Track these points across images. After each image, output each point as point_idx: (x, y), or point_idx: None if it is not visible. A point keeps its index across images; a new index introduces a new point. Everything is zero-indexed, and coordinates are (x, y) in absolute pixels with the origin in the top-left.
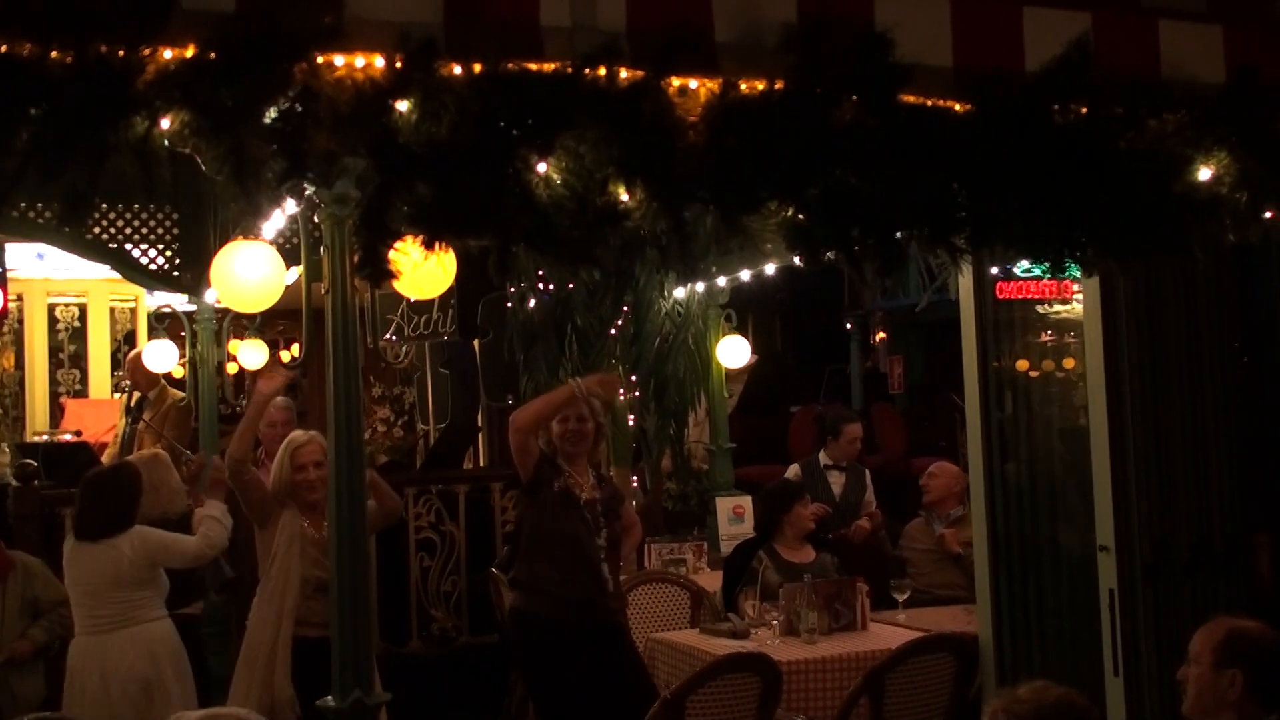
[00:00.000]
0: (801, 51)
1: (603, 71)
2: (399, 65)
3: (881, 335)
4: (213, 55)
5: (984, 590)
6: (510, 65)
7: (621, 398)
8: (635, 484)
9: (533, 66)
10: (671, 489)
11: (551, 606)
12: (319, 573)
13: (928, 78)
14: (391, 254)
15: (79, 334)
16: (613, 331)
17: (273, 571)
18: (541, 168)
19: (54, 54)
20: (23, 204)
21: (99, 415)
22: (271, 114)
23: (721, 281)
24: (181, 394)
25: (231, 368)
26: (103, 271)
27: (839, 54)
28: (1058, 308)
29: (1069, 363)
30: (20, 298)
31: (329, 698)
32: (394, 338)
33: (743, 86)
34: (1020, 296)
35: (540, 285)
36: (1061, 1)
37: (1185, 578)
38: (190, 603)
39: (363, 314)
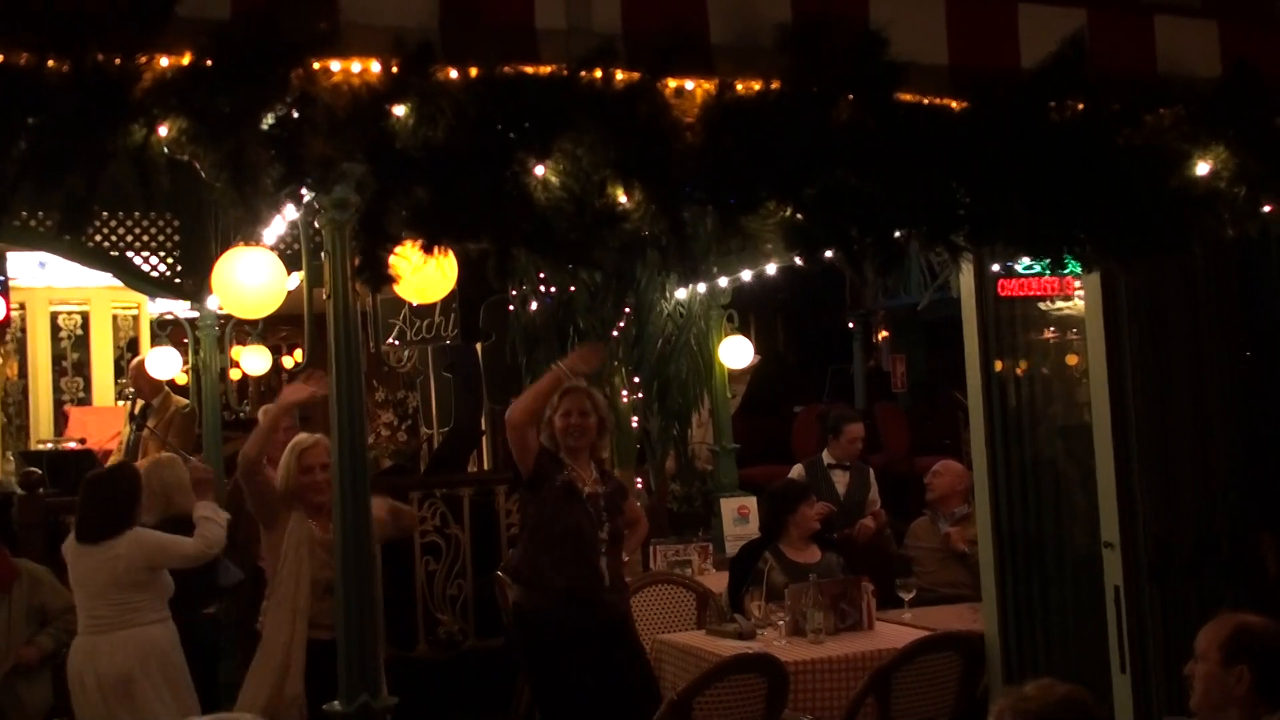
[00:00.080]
0: (797, 52)
1: (599, 74)
2: (395, 70)
3: (884, 334)
4: (209, 62)
5: (989, 588)
6: (506, 68)
7: (625, 399)
8: (640, 485)
9: (529, 69)
10: (676, 490)
11: (551, 601)
12: (328, 574)
13: (924, 76)
14: (391, 258)
15: (82, 342)
16: (615, 333)
17: (283, 574)
18: (539, 170)
19: (51, 62)
20: (23, 212)
21: (103, 423)
22: (269, 120)
23: (723, 282)
24: (185, 400)
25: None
26: (105, 279)
27: (835, 54)
28: (1060, 304)
29: (1072, 359)
30: (23, 306)
31: (336, 702)
32: (397, 342)
33: (739, 87)
34: (1022, 294)
35: (542, 288)
36: None
37: (1190, 574)
38: (208, 604)
39: (365, 319)
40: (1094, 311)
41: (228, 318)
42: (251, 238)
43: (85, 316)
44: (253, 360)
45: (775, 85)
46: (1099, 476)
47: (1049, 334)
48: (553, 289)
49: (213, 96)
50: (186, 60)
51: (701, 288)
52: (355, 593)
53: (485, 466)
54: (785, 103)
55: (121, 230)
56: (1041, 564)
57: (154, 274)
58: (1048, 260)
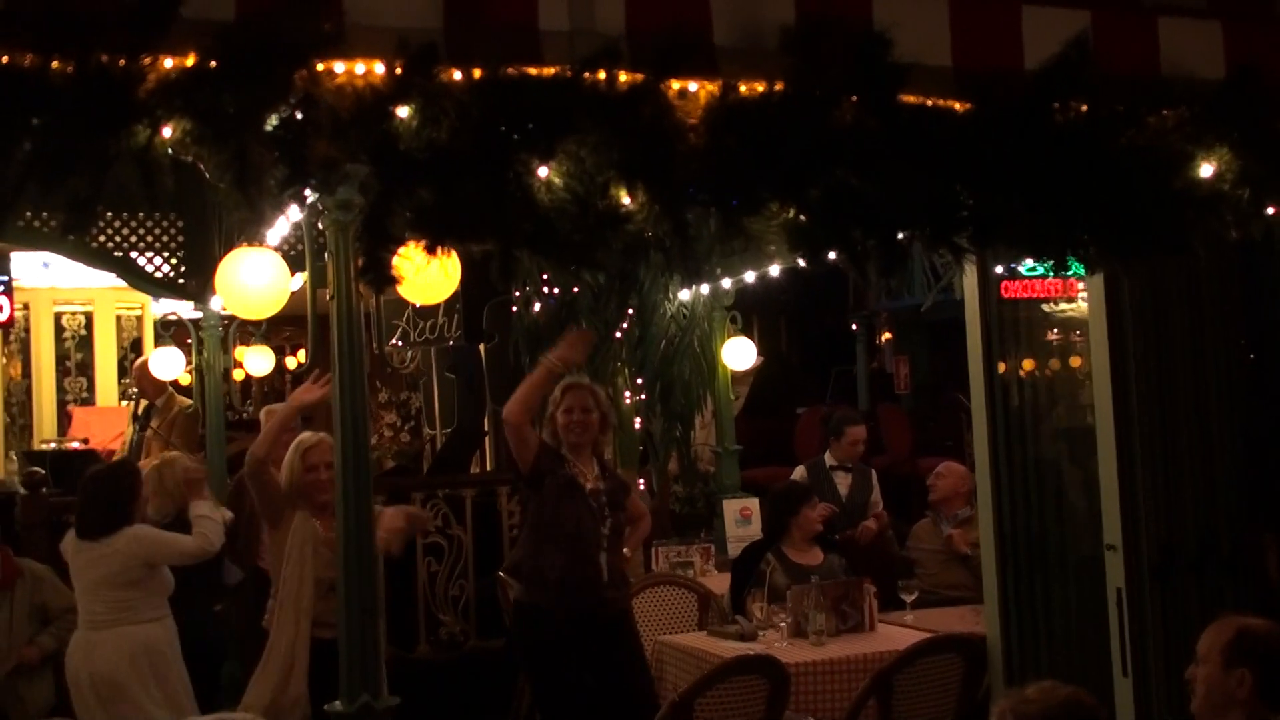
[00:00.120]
0: (801, 53)
1: (602, 75)
2: (399, 71)
3: (887, 335)
4: (214, 63)
5: (991, 590)
6: (510, 70)
7: (628, 401)
8: (642, 487)
9: (532, 71)
10: (678, 491)
11: (551, 597)
12: (332, 573)
13: (927, 77)
14: (395, 259)
15: (85, 342)
16: (618, 335)
17: (286, 573)
18: (543, 172)
19: (55, 64)
20: (28, 213)
21: (106, 423)
22: (273, 121)
23: (726, 283)
24: (189, 401)
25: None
26: (109, 280)
27: (838, 55)
28: (1063, 306)
29: (1075, 361)
30: (27, 306)
31: (337, 702)
32: (400, 343)
33: (742, 88)
34: (1025, 295)
35: (545, 289)
36: None
37: (1193, 577)
38: (214, 602)
39: (368, 319)
40: (1097, 313)
41: (231, 318)
42: (255, 238)
43: (89, 317)
44: (256, 361)
45: (779, 86)
46: (1101, 479)
47: (1052, 336)
48: (556, 290)
49: (217, 97)
50: (191, 61)
51: (705, 289)
52: (357, 593)
53: (488, 467)
54: (789, 104)
55: (125, 231)
56: (1044, 566)
57: (158, 274)
58: (1051, 262)
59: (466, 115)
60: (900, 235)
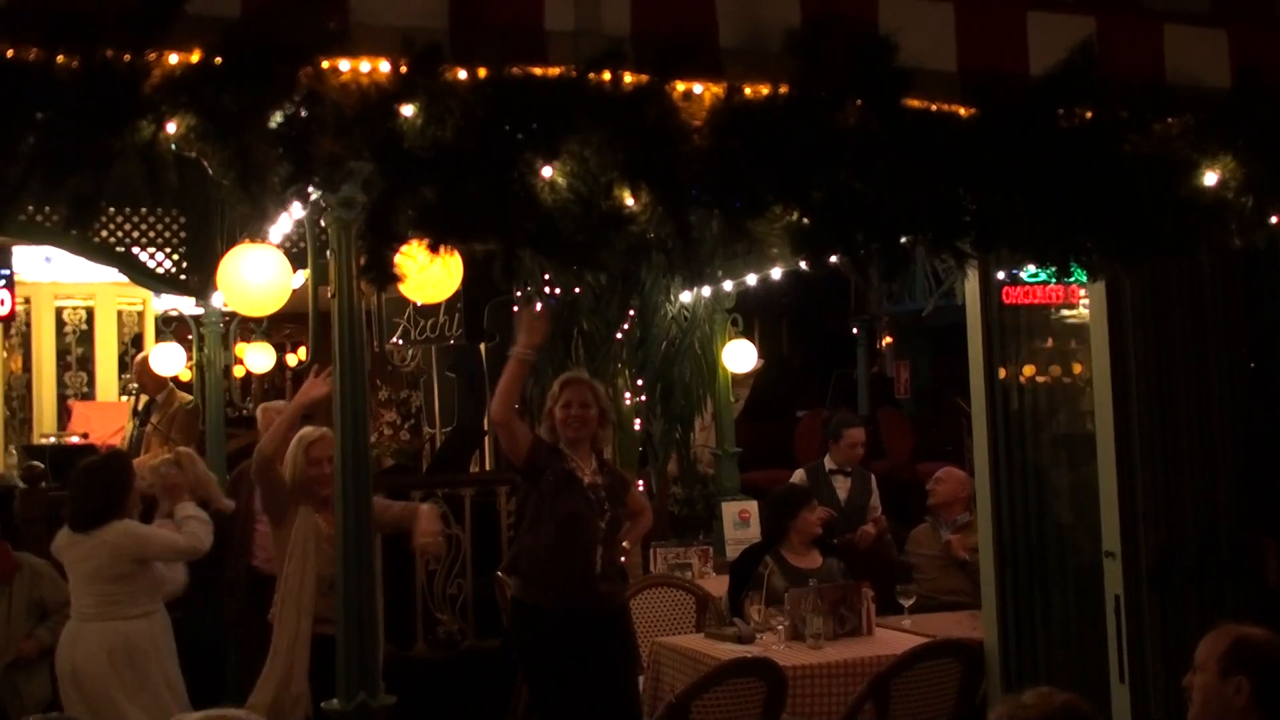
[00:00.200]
0: (805, 55)
1: (607, 76)
2: (404, 70)
3: (888, 340)
4: (218, 60)
5: (990, 596)
6: (514, 69)
7: (628, 402)
8: (641, 488)
9: (537, 71)
10: (677, 493)
11: (545, 590)
12: (334, 570)
13: (932, 81)
14: (397, 258)
15: (86, 337)
16: (619, 336)
17: (289, 570)
18: (546, 171)
19: (60, 58)
20: (30, 207)
21: (106, 418)
22: (277, 118)
23: (727, 286)
24: (189, 397)
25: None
26: (110, 275)
27: (843, 58)
28: (1064, 312)
29: (1076, 368)
30: (28, 301)
31: (334, 700)
32: (400, 341)
33: (747, 90)
34: (1027, 301)
35: (546, 289)
36: (1066, 5)
37: (1192, 584)
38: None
39: (369, 318)
40: (1098, 319)
41: (232, 315)
42: (257, 235)
43: (90, 312)
44: (256, 357)
45: (783, 89)
46: (1101, 485)
47: (1053, 342)
48: (557, 290)
49: (221, 94)
50: (196, 58)
51: (706, 291)
52: (356, 591)
53: (487, 467)
54: (793, 106)
55: (128, 226)
56: (1042, 572)
57: (159, 270)
58: (1054, 268)
59: (471, 114)
60: (903, 239)
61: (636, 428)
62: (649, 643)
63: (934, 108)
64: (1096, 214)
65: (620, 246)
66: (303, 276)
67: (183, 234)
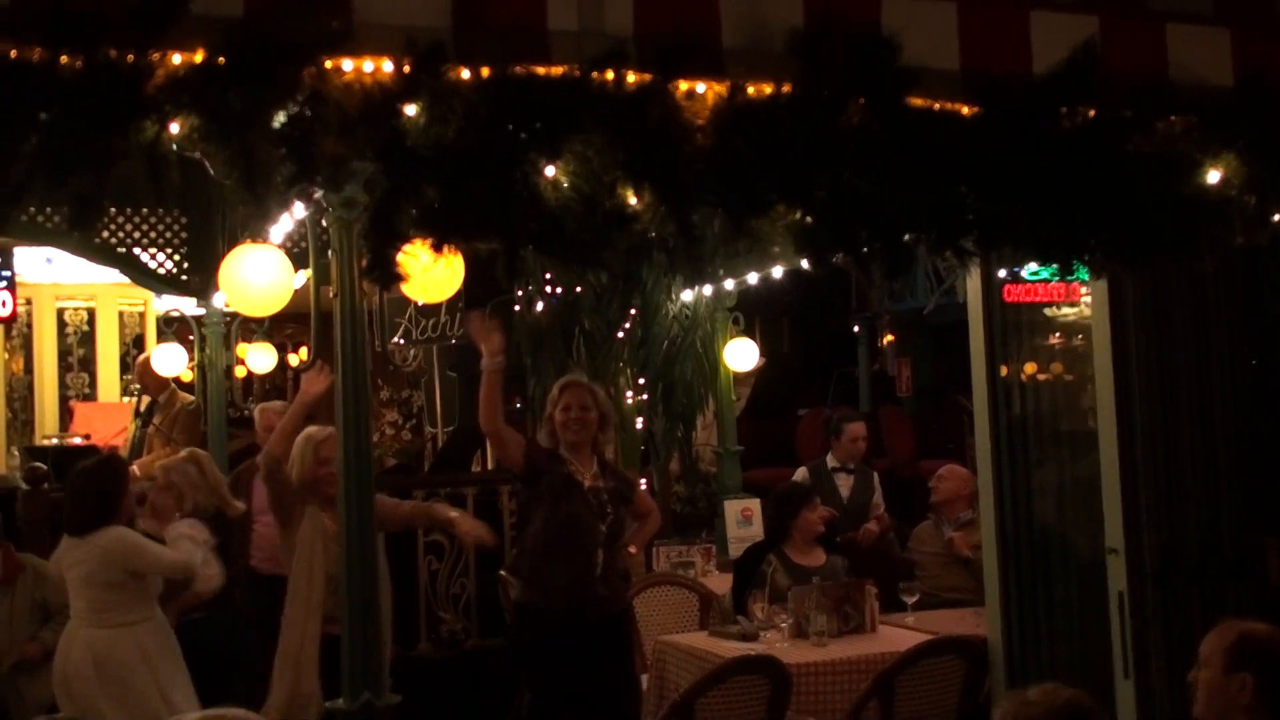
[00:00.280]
0: (808, 55)
1: (610, 75)
2: (407, 69)
3: (889, 338)
4: (221, 60)
5: (993, 593)
6: (518, 69)
7: (630, 401)
8: (644, 487)
9: (540, 70)
10: (680, 492)
11: (546, 593)
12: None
13: (935, 81)
14: (399, 257)
15: (88, 338)
16: (620, 335)
17: (296, 570)
18: (549, 171)
19: (63, 58)
20: (32, 208)
21: (108, 419)
22: (280, 118)
23: (729, 284)
24: (191, 397)
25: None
26: (111, 275)
27: (846, 57)
28: (1066, 310)
29: (1078, 365)
30: (29, 302)
31: (339, 700)
32: (402, 341)
33: (750, 90)
34: (1028, 299)
35: (548, 288)
36: (1069, 5)
37: (1195, 581)
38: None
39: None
40: (1100, 317)
41: (234, 315)
42: (259, 235)
43: (91, 313)
44: (258, 358)
45: (786, 88)
46: (1104, 482)
47: (1055, 339)
48: (559, 290)
49: (224, 94)
50: (199, 57)
51: (707, 290)
52: (360, 590)
53: (489, 466)
54: (796, 106)
55: (129, 227)
56: (1046, 569)
57: (161, 271)
58: (1055, 266)
59: (474, 114)
60: (906, 237)
61: (638, 427)
62: (653, 641)
63: (936, 107)
64: (1099, 213)
65: (622, 245)
66: (304, 276)
67: (184, 234)
